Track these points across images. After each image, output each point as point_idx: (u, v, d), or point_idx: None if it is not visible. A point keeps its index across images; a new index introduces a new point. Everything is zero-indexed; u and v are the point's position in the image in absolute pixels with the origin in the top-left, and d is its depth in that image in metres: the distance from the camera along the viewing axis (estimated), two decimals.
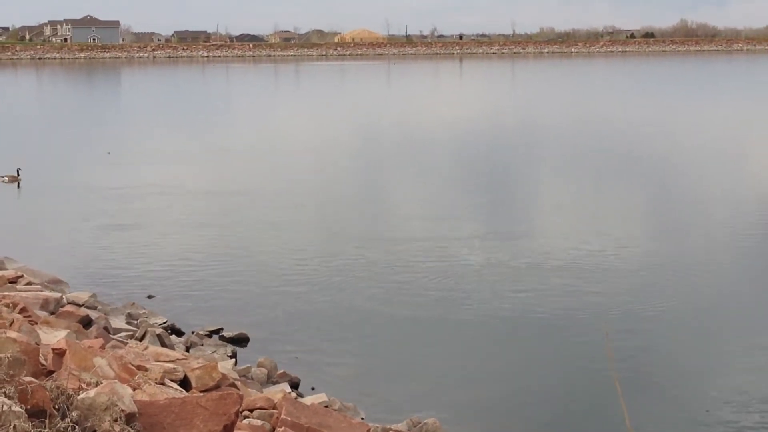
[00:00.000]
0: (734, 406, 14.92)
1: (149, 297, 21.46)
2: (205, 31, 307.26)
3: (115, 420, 8.31)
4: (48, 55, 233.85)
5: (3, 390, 8.05)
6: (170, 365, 12.49)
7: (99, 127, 64.71)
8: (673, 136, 53.90)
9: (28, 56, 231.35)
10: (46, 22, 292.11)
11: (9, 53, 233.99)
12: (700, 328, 19.00)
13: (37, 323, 14.58)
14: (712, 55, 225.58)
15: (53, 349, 10.76)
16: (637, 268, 23.34)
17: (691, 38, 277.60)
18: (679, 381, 16.16)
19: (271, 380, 16.02)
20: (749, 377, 16.18)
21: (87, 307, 18.72)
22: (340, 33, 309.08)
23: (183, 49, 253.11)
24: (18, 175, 38.71)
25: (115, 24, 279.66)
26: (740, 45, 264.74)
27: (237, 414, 9.45)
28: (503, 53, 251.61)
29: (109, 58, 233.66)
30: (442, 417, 14.20)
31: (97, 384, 9.32)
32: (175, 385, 11.88)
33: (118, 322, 18.49)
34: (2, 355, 8.68)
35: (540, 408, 15.25)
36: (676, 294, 21.17)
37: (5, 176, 38.71)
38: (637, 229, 28.48)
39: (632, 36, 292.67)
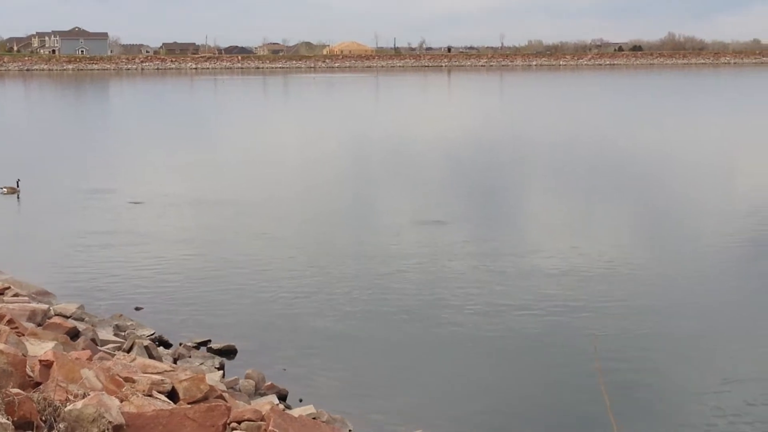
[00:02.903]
0: (723, 419, 14.94)
1: (137, 309, 21.41)
2: (194, 43, 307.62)
3: (103, 431, 8.29)
4: (36, 67, 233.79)
5: None
6: (158, 377, 12.45)
7: (92, 139, 64.72)
8: (660, 149, 54.03)
9: (16, 68, 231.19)
10: (34, 33, 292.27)
11: None
12: (689, 340, 19.02)
13: (24, 335, 14.53)
14: (700, 68, 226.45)
15: (40, 361, 10.73)
16: (625, 281, 23.37)
17: (679, 51, 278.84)
18: (668, 393, 16.18)
19: (258, 392, 15.99)
20: (738, 390, 16.20)
21: (74, 319, 18.68)
22: (328, 45, 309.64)
23: (171, 61, 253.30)
24: (17, 186, 38.56)
25: (103, 36, 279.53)
26: (727, 58, 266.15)
27: (225, 426, 9.44)
28: (491, 66, 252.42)
29: (98, 69, 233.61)
30: (430, 430, 14.19)
31: (84, 396, 9.30)
32: (163, 397, 11.85)
33: (105, 333, 18.43)
34: None
35: (528, 421, 15.24)
36: (666, 307, 21.21)
37: (4, 187, 38.50)
38: (627, 243, 28.53)
39: (620, 49, 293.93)
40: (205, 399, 12.24)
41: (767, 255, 26.30)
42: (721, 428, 14.64)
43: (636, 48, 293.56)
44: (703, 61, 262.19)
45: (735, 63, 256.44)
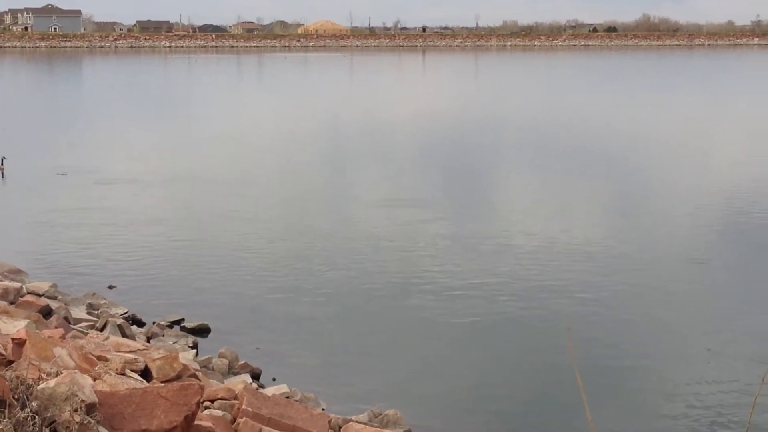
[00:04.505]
0: (695, 400, 15.07)
1: (110, 287, 21.35)
2: (168, 21, 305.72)
3: (75, 410, 8.27)
4: (8, 44, 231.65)
5: None
6: (131, 356, 12.44)
7: (69, 118, 64.38)
8: (636, 130, 54.11)
9: None
10: (7, 10, 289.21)
11: None
12: (661, 322, 19.15)
13: None
14: (674, 50, 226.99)
15: (13, 339, 10.69)
16: (602, 264, 23.47)
17: (653, 33, 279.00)
18: (640, 375, 16.28)
19: (232, 371, 16.01)
20: (710, 372, 16.33)
21: (47, 297, 18.60)
22: (303, 24, 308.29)
23: (145, 39, 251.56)
24: (2, 163, 38.16)
25: (76, 13, 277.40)
26: (702, 40, 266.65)
27: (198, 404, 9.44)
28: (466, 46, 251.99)
29: (71, 47, 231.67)
30: (403, 408, 14.24)
31: (57, 374, 9.27)
32: (136, 376, 11.84)
33: (78, 312, 18.38)
34: None
35: (501, 401, 15.32)
36: (641, 289, 21.32)
37: None
38: (604, 224, 28.66)
39: (595, 30, 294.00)
40: (178, 378, 12.24)
41: (745, 237, 26.48)
42: (694, 410, 14.76)
43: (611, 29, 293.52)
44: (677, 42, 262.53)
45: (709, 45, 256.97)
